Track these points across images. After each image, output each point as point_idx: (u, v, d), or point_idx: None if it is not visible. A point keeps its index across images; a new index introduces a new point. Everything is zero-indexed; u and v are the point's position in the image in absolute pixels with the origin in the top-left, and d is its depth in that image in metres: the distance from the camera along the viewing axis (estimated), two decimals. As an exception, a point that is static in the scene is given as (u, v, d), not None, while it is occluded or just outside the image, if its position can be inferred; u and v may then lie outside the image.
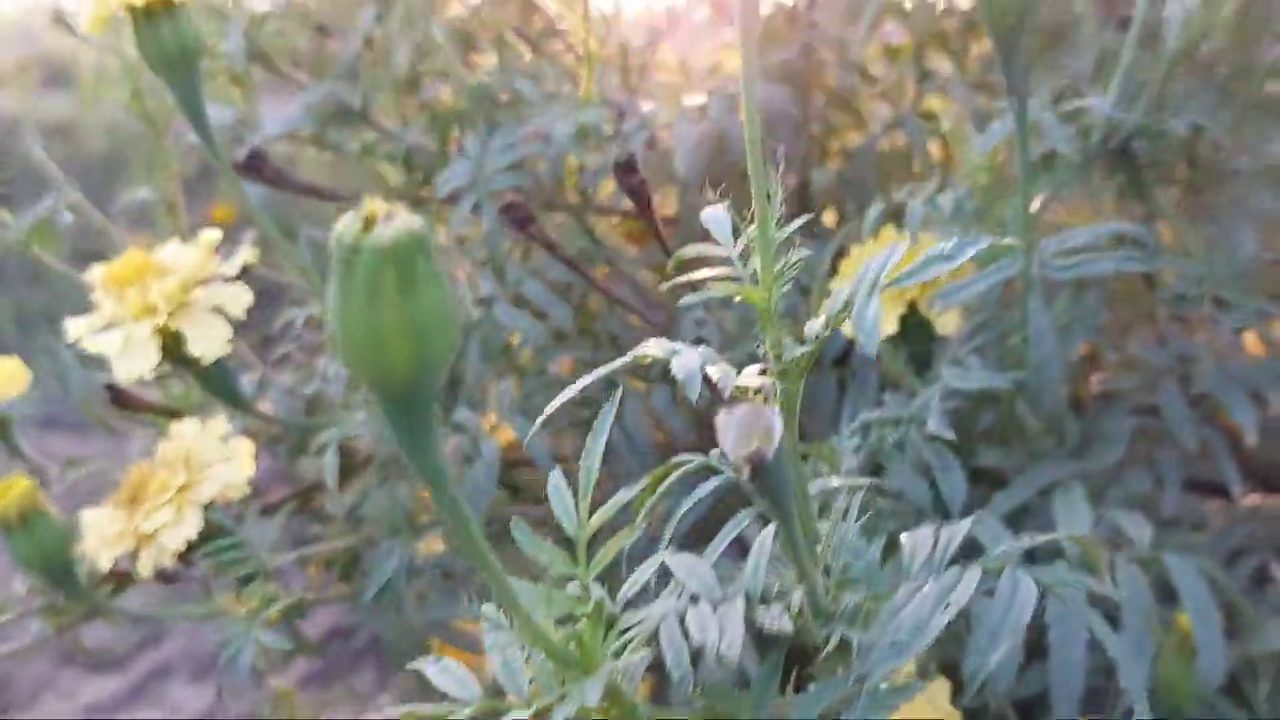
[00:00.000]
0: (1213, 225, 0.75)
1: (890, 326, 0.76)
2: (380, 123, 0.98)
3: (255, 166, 0.77)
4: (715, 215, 0.51)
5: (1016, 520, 0.68)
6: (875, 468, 0.74)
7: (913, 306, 0.76)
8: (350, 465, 0.96)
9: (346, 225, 0.28)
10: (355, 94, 0.95)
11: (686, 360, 0.45)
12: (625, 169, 0.67)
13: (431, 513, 0.89)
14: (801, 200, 1.08)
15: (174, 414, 0.94)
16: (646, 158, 0.93)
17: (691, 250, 0.50)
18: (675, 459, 0.54)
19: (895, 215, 0.83)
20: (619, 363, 0.47)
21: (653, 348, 0.47)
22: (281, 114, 0.95)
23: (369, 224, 0.28)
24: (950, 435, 0.62)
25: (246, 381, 1.00)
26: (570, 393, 0.47)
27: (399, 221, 0.28)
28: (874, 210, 0.78)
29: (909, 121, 1.02)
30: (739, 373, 0.47)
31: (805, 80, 0.99)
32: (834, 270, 0.81)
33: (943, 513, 0.68)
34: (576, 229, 0.91)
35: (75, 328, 0.75)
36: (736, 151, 0.94)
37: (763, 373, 0.47)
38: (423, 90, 0.92)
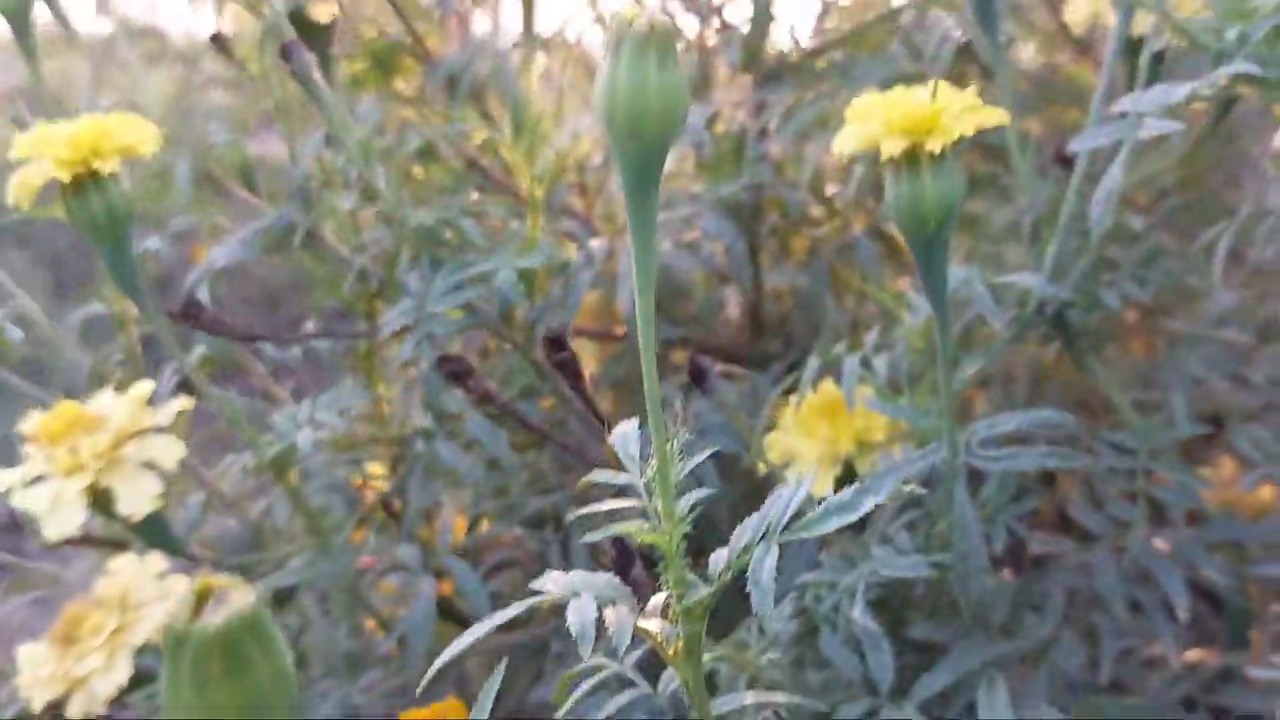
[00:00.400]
0: (1149, 391, 0.75)
1: (826, 489, 0.75)
2: (331, 245, 0.98)
3: (192, 315, 0.77)
4: (624, 435, 0.51)
5: (945, 700, 0.68)
6: (811, 629, 0.74)
7: (849, 467, 0.76)
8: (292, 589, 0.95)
9: (176, 612, 0.27)
10: (306, 217, 0.95)
11: (583, 609, 0.44)
12: (553, 344, 0.67)
13: (373, 656, 0.88)
14: (754, 322, 1.08)
15: (119, 545, 0.93)
16: (599, 278, 0.93)
17: (598, 476, 0.50)
18: (584, 665, 0.54)
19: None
20: (517, 609, 0.46)
21: (551, 584, 0.47)
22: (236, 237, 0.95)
23: (201, 602, 0.28)
24: (873, 626, 0.62)
25: (194, 500, 1.00)
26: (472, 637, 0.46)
27: (230, 603, 0.27)
28: (813, 363, 0.78)
29: (861, 244, 1.02)
30: (644, 610, 0.47)
31: (757, 205, 0.99)
32: (772, 423, 0.81)
33: (872, 689, 0.68)
34: (523, 361, 0.90)
35: (5, 480, 0.74)
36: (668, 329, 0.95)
37: (664, 612, 0.47)
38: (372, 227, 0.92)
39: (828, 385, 0.79)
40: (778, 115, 0.91)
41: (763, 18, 0.83)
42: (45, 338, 1.08)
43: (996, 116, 0.55)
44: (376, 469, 1.11)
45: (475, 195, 0.93)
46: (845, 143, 0.55)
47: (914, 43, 0.99)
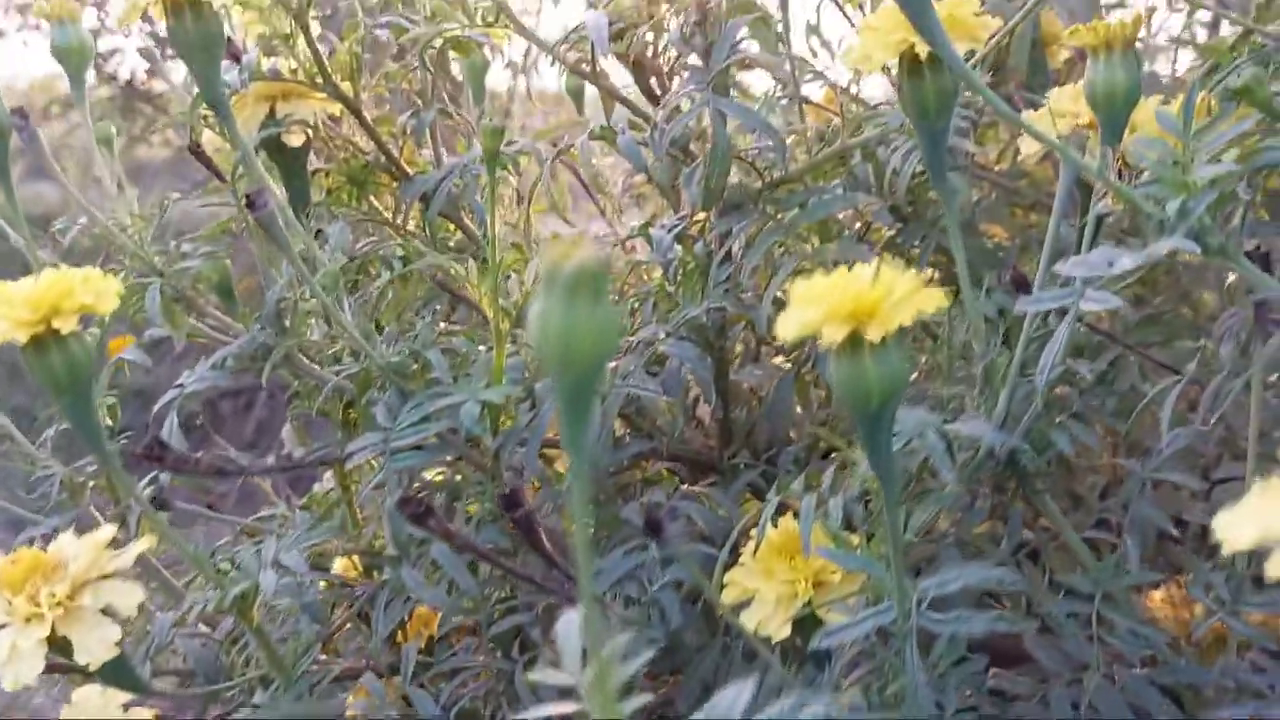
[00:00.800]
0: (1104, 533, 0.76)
1: (784, 631, 0.76)
2: (305, 365, 0.99)
3: (155, 456, 0.78)
4: (565, 629, 0.51)
5: None
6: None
7: (808, 608, 0.77)
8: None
9: None
10: (280, 340, 0.96)
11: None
12: (509, 501, 0.68)
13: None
14: (723, 431, 1.09)
15: (85, 673, 0.93)
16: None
17: (536, 676, 0.50)
18: None
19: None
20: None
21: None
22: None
23: None
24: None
25: (164, 618, 1.00)
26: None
27: None
28: (772, 500, 0.79)
29: (821, 356, 1.03)
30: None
31: (722, 323, 1.01)
32: (734, 557, 0.81)
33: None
34: (490, 486, 0.91)
35: (-37, 627, 0.74)
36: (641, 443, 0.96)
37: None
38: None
39: (787, 521, 0.80)
40: (740, 240, 0.92)
41: (722, 155, 0.85)
42: (20, 450, 1.08)
43: (935, 300, 0.56)
44: (350, 571, 1.11)
45: (443, 325, 0.94)
46: (787, 329, 0.56)
47: (878, 159, 1.01)
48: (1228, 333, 0.73)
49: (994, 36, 0.79)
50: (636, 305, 1.17)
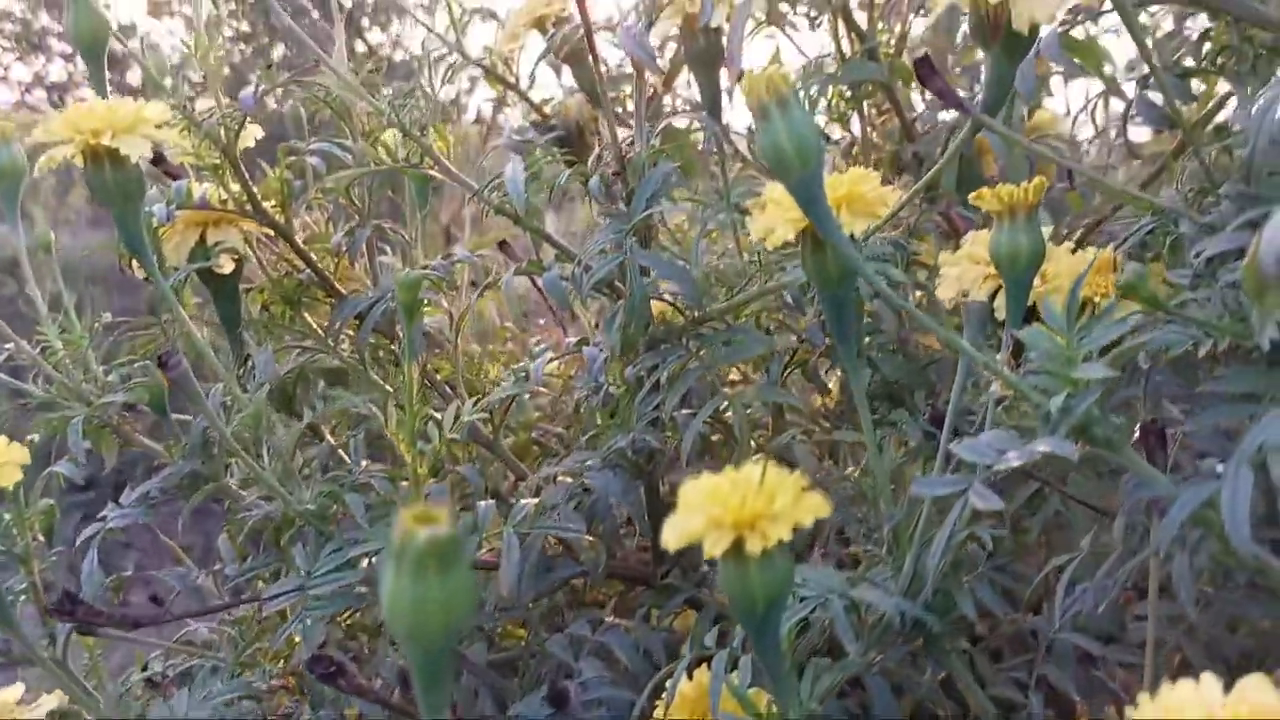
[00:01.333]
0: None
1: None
2: (233, 491, 0.99)
3: (66, 611, 0.77)
4: None
5: None
6: None
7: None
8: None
9: None
10: (209, 467, 0.96)
11: None
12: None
13: None
14: (655, 551, 1.09)
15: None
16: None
17: None
18: None
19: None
20: None
21: None
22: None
23: None
24: None
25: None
26: None
27: None
28: (686, 656, 0.79)
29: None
30: None
31: (649, 450, 1.01)
32: (657, 695, 0.81)
33: None
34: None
35: None
36: (570, 567, 0.96)
37: None
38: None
39: (702, 674, 0.80)
40: (665, 375, 0.93)
41: (639, 305, 0.86)
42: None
43: (816, 511, 0.56)
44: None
45: (365, 463, 0.94)
46: (671, 538, 0.56)
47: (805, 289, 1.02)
48: (1121, 510, 0.74)
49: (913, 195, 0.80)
50: (572, 424, 1.19)
